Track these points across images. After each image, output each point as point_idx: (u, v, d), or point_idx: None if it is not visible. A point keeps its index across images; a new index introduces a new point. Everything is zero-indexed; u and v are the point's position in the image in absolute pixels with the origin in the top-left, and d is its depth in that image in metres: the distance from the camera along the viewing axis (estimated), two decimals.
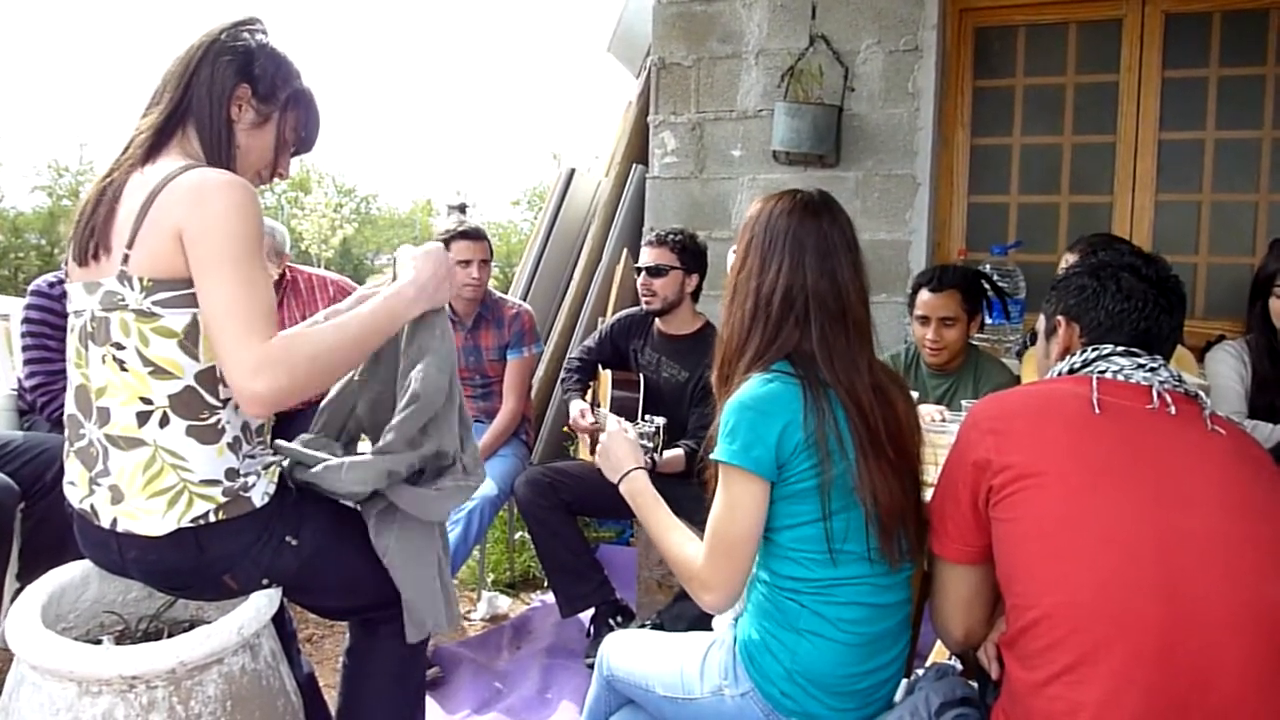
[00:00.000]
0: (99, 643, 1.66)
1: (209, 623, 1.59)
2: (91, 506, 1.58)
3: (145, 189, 1.52)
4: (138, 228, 1.51)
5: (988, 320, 3.15)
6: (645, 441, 2.75)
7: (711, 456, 1.56)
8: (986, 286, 2.95)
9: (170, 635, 1.68)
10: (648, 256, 3.15)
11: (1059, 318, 1.56)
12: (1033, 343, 2.07)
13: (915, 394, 2.64)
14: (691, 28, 4.40)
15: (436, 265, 1.75)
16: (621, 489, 1.81)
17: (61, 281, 2.91)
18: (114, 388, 1.54)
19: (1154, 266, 1.52)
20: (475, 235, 3.38)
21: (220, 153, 1.65)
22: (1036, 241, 4.09)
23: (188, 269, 1.50)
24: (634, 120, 4.79)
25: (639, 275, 3.17)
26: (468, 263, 3.35)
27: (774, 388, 1.54)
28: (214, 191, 1.50)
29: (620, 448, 1.84)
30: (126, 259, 1.51)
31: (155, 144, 1.60)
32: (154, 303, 1.51)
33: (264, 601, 1.64)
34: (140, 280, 1.50)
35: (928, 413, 2.66)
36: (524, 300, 4.46)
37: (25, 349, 2.89)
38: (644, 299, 3.18)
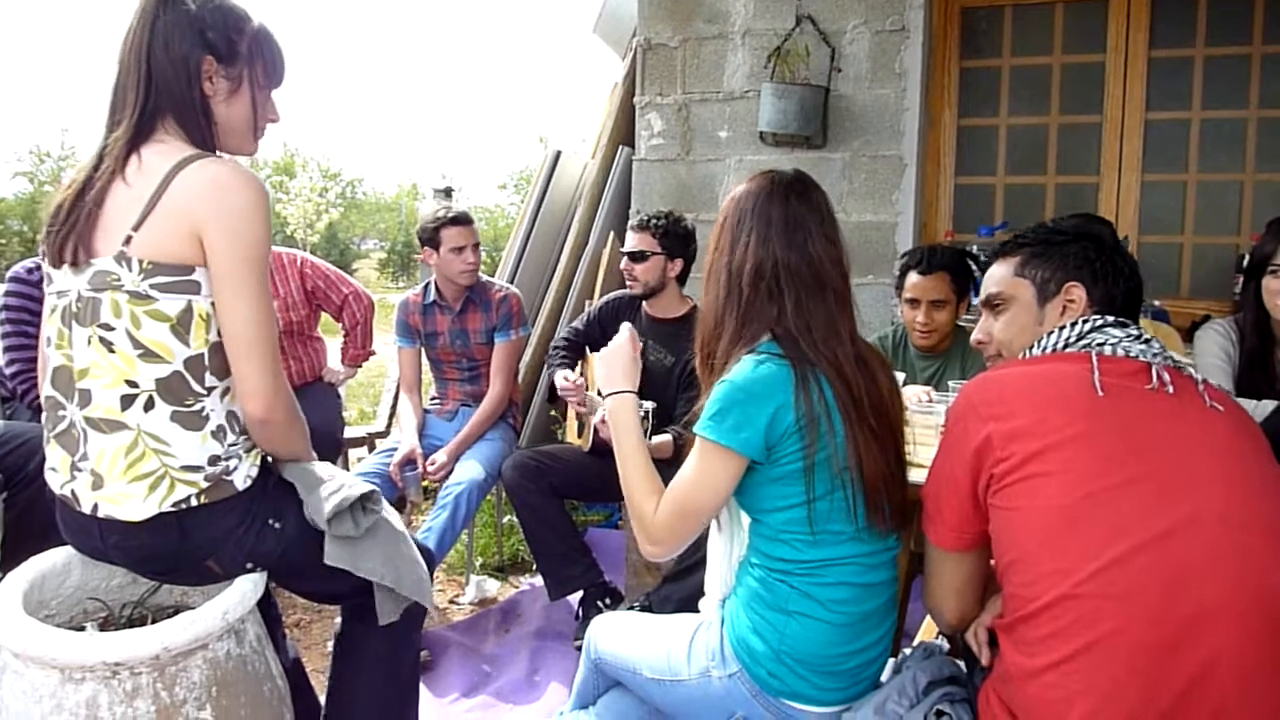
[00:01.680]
0: (82, 629, 1.65)
1: (193, 608, 1.58)
2: (72, 492, 1.56)
3: (156, 174, 1.51)
4: (148, 212, 1.50)
5: (974, 301, 3.15)
6: None
7: (696, 430, 1.56)
8: (973, 266, 2.94)
9: (154, 621, 1.67)
10: (630, 241, 3.15)
11: (1072, 284, 1.53)
12: None
13: (903, 375, 2.64)
14: (677, 8, 4.37)
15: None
16: (607, 403, 1.82)
17: (39, 267, 2.88)
18: (98, 369, 1.52)
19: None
20: (466, 220, 3.38)
21: (207, 137, 1.62)
22: (1023, 222, 4.03)
23: (193, 257, 1.52)
24: (620, 102, 4.76)
25: (623, 260, 3.16)
26: (461, 249, 3.34)
27: (765, 369, 1.54)
28: (235, 190, 1.52)
29: (623, 361, 1.85)
30: (129, 240, 1.50)
31: (136, 142, 1.56)
32: (151, 285, 1.50)
33: (249, 586, 1.63)
34: (140, 262, 1.49)
35: (915, 394, 2.66)
36: (511, 284, 4.45)
37: (4, 336, 2.86)
38: (627, 283, 3.18)
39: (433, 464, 3.22)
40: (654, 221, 3.12)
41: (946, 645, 1.68)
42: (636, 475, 1.69)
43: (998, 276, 1.63)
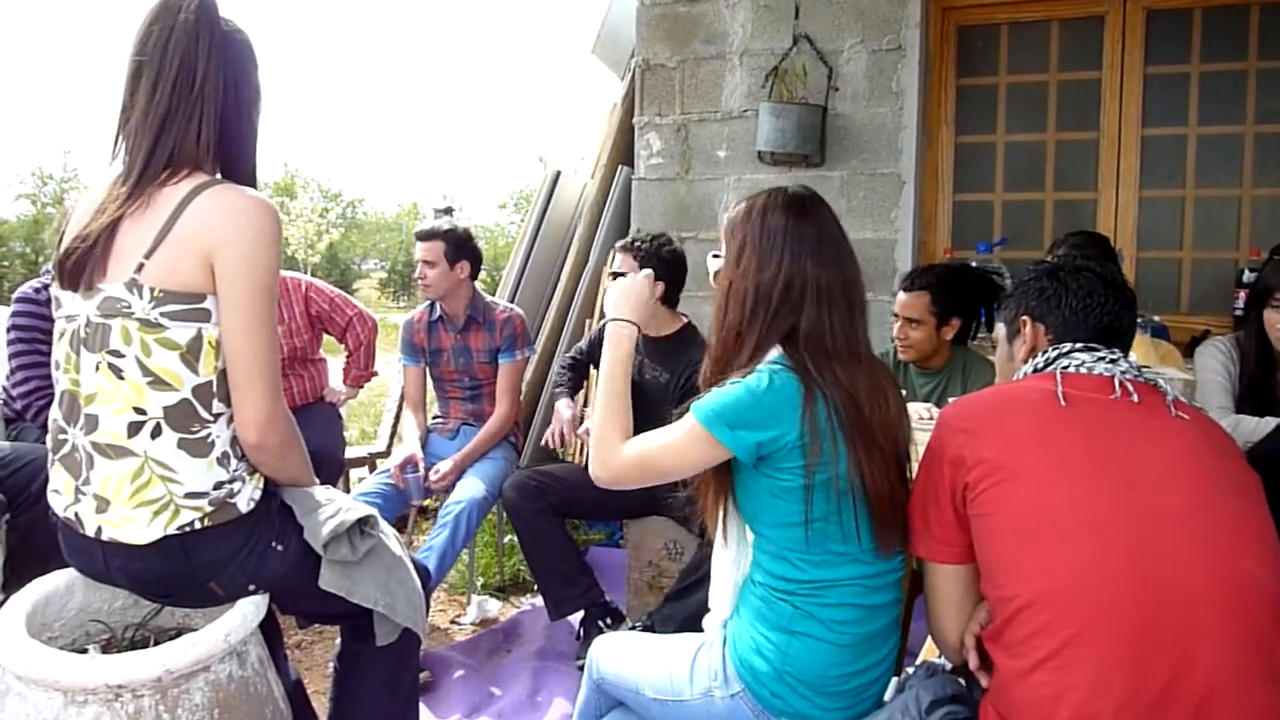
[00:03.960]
0: (85, 652, 1.65)
1: (196, 630, 1.58)
2: (76, 514, 1.56)
3: (170, 202, 1.51)
4: (161, 239, 1.49)
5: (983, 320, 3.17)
6: None
7: (694, 410, 1.56)
8: (1000, 282, 2.99)
9: (157, 643, 1.66)
10: (615, 261, 3.20)
11: (1023, 318, 1.63)
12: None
13: (903, 393, 2.66)
14: (675, 29, 4.40)
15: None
16: (609, 328, 1.80)
17: (47, 287, 2.90)
18: (106, 395, 1.52)
19: (1107, 268, 1.61)
20: (426, 236, 3.36)
21: (251, 171, 1.65)
22: (1022, 238, 4.10)
23: (204, 285, 1.51)
24: (619, 122, 4.79)
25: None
26: (419, 262, 3.38)
27: (780, 381, 1.54)
28: (253, 217, 1.52)
29: (639, 296, 1.83)
30: (141, 268, 1.49)
31: (173, 170, 1.55)
32: (161, 313, 1.50)
33: (251, 608, 1.63)
34: (151, 290, 1.49)
35: (915, 410, 2.67)
36: (511, 303, 4.45)
37: (16, 355, 2.88)
38: None
39: (436, 472, 3.24)
40: (636, 244, 3.12)
41: (949, 664, 1.68)
42: (613, 404, 1.69)
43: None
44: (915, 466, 1.70)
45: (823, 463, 1.52)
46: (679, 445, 1.57)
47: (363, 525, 1.74)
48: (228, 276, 1.51)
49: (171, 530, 1.53)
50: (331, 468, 3.43)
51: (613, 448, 1.63)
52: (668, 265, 3.12)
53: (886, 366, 1.72)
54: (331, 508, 1.71)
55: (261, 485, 1.66)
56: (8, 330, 2.92)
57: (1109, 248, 3.09)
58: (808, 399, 1.53)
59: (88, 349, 1.53)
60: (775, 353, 1.60)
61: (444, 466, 3.26)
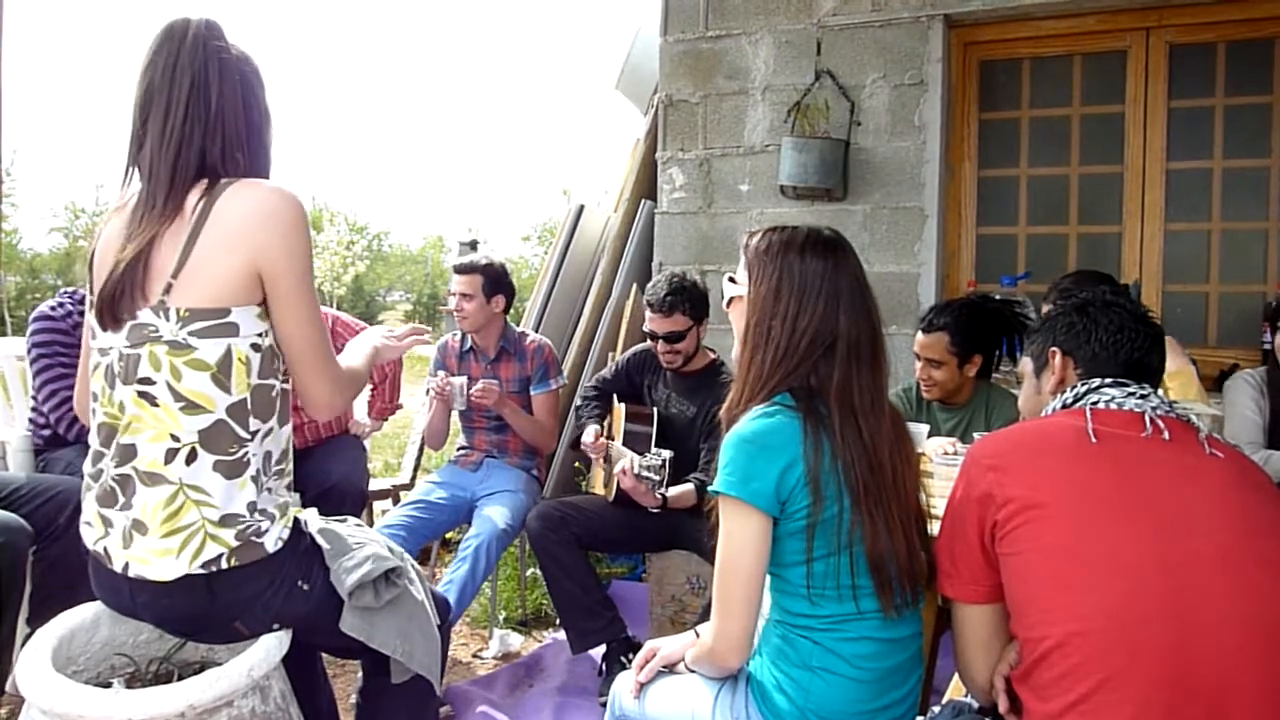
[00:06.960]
0: (109, 685, 1.66)
1: (219, 664, 1.58)
2: (105, 549, 1.57)
3: (189, 214, 1.52)
4: (188, 252, 1.50)
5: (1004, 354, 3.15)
6: (651, 474, 2.76)
7: (711, 489, 1.56)
8: (1026, 316, 2.97)
9: (180, 677, 1.67)
10: (662, 325, 3.10)
11: (1052, 350, 1.61)
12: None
13: (926, 427, 2.64)
14: (698, 65, 4.45)
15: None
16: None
17: (62, 305, 2.94)
18: (141, 423, 1.52)
19: (1135, 304, 1.60)
20: (464, 270, 3.41)
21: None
22: (1046, 272, 4.07)
23: (230, 297, 1.51)
24: (642, 156, 4.83)
25: (655, 342, 3.16)
26: (453, 294, 3.42)
27: (775, 421, 1.54)
28: (281, 210, 1.55)
29: None
30: (169, 289, 1.50)
31: (197, 184, 1.56)
32: (189, 333, 1.49)
33: (274, 643, 1.63)
34: (178, 311, 1.49)
35: (940, 445, 2.66)
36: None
37: (40, 371, 2.88)
38: (666, 361, 3.19)
39: (480, 390, 3.30)
40: (680, 300, 3.08)
41: (977, 704, 1.66)
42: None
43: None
44: (927, 500, 1.70)
45: (827, 503, 1.51)
46: (724, 533, 1.53)
47: (389, 574, 1.74)
48: (274, 276, 1.54)
49: (196, 568, 1.52)
50: (355, 500, 3.44)
51: (704, 641, 1.62)
52: (704, 303, 3.15)
53: (902, 416, 1.71)
54: (361, 553, 1.70)
55: (290, 525, 1.66)
56: (29, 350, 2.92)
57: (1115, 284, 3.01)
58: (809, 438, 1.52)
59: (122, 382, 1.53)
60: (780, 395, 1.59)
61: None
